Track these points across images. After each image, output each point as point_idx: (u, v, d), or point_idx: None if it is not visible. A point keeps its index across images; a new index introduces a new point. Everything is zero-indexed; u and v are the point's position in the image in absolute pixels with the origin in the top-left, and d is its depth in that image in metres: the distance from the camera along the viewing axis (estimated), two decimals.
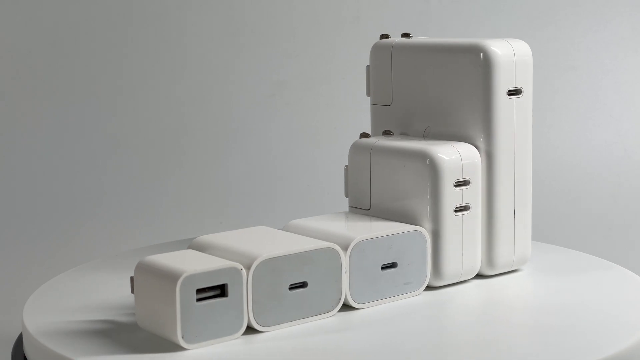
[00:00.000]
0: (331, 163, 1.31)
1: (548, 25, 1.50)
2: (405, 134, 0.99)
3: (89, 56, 1.40)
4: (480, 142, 0.92)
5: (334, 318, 0.84)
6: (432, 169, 0.89)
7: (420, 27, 1.36)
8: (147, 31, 1.40)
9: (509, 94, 0.92)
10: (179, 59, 1.42)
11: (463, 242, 0.91)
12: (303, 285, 0.82)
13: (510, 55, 0.92)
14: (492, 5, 1.48)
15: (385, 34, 1.02)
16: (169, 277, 0.76)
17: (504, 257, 0.94)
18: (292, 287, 0.82)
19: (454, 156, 0.90)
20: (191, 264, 0.78)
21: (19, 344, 0.88)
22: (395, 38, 1.00)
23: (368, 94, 1.02)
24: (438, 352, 0.79)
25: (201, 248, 0.85)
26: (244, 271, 0.79)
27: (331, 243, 0.84)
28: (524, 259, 0.96)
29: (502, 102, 0.92)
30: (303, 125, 1.31)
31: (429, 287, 0.91)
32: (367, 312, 0.86)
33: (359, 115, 1.29)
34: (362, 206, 0.96)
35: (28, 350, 0.83)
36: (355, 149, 0.96)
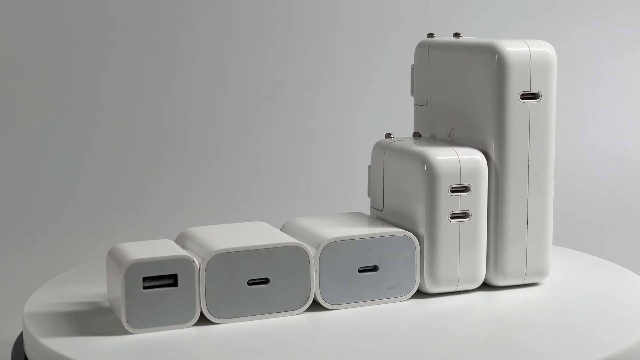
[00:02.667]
0: (331, 163, 1.29)
1: (548, 25, 1.41)
2: (434, 136, 0.97)
3: (89, 55, 1.40)
4: (492, 147, 0.88)
5: (301, 316, 0.84)
6: (426, 172, 0.87)
7: (421, 27, 1.31)
8: (146, 30, 1.40)
9: (522, 98, 0.88)
10: (178, 59, 1.42)
11: (460, 250, 0.88)
12: (265, 281, 0.83)
13: (525, 57, 0.88)
14: (492, 6, 1.42)
15: (431, 33, 0.99)
16: (119, 264, 0.80)
17: (513, 268, 0.90)
18: (252, 282, 0.83)
19: (452, 161, 0.87)
20: (144, 253, 0.81)
21: (19, 344, 0.88)
22: (437, 37, 0.98)
23: (412, 93, 1.01)
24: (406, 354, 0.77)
25: (183, 238, 0.88)
26: (196, 263, 0.81)
27: (297, 241, 0.84)
28: (540, 271, 0.91)
29: (514, 106, 0.88)
30: (303, 125, 1.30)
31: (424, 294, 0.89)
32: (339, 313, 0.85)
33: (359, 115, 1.27)
34: (378, 207, 0.95)
35: (28, 350, 0.83)
36: (374, 148, 0.95)
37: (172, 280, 0.81)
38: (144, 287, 0.80)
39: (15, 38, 1.34)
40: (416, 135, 0.97)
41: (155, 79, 1.37)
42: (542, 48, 0.89)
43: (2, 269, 1.23)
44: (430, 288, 0.88)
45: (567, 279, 0.94)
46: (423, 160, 0.87)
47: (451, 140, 0.93)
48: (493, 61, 0.88)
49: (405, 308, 0.86)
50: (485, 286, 0.91)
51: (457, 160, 0.87)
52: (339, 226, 0.89)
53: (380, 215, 0.94)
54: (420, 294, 0.89)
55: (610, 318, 0.85)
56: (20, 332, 0.89)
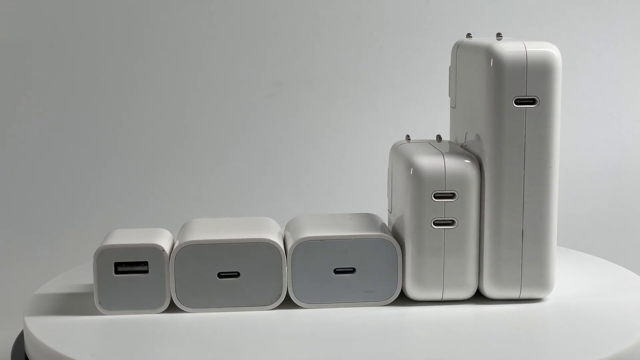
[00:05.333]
0: (331, 163, 1.25)
1: (548, 25, 1.30)
2: (456, 140, 0.94)
3: (88, 55, 1.41)
4: (487, 153, 0.85)
5: (273, 312, 0.86)
6: (410, 177, 0.85)
7: (422, 27, 1.22)
8: (146, 30, 1.40)
9: (516, 103, 0.84)
10: (178, 59, 1.42)
11: (445, 258, 0.85)
12: (235, 275, 0.85)
13: (521, 60, 0.83)
14: (491, 5, 1.31)
15: (469, 33, 0.96)
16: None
17: (507, 280, 0.86)
18: (223, 275, 0.85)
19: (436, 167, 0.85)
20: (121, 239, 0.86)
21: (19, 343, 0.88)
22: (474, 38, 0.95)
23: (449, 94, 0.98)
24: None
25: (181, 229, 0.91)
26: (165, 251, 0.85)
27: (269, 238, 0.85)
28: (540, 285, 0.86)
29: (506, 111, 0.84)
30: (303, 125, 1.26)
31: (410, 300, 0.87)
32: (313, 312, 0.86)
33: (359, 115, 1.22)
34: (389, 209, 0.94)
35: (29, 349, 0.83)
36: (390, 150, 0.94)
37: (146, 267, 0.85)
38: (118, 272, 0.85)
39: (16, 37, 1.39)
40: (438, 138, 0.94)
41: (155, 79, 1.39)
42: (542, 50, 0.84)
43: (2, 268, 1.25)
44: (413, 294, 0.87)
45: (566, 279, 0.92)
46: (409, 164, 0.86)
47: (465, 145, 0.91)
48: (488, 63, 0.84)
49: (382, 312, 0.85)
50: (482, 297, 0.88)
51: (442, 166, 0.85)
52: (326, 226, 0.89)
53: (390, 217, 0.93)
54: (405, 300, 0.87)
55: (610, 318, 0.83)
56: (20, 331, 0.90)
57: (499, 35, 0.92)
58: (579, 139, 1.33)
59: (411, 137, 0.95)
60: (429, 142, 0.92)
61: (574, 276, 0.94)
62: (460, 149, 0.89)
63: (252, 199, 1.30)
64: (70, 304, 0.88)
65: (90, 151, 1.40)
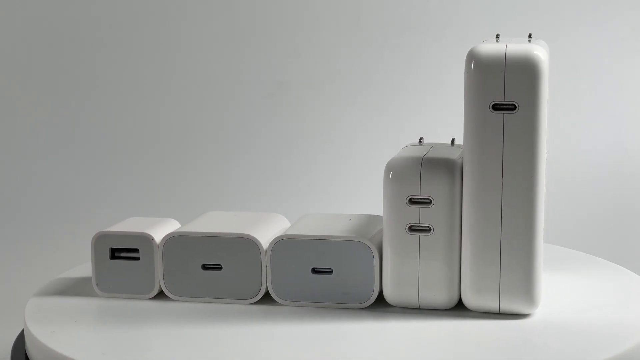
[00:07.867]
0: (331, 163, 1.17)
1: (548, 25, 1.14)
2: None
3: (87, 56, 1.39)
4: (466, 160, 0.82)
5: (254, 306, 0.87)
6: (388, 181, 0.84)
7: (421, 27, 1.11)
8: (145, 29, 1.37)
9: (494, 108, 0.80)
10: (178, 59, 1.38)
11: (420, 265, 0.83)
12: (218, 267, 0.88)
13: (499, 63, 0.79)
14: (491, 5, 1.16)
15: (497, 34, 0.93)
16: None
17: (484, 290, 0.83)
18: (207, 267, 0.88)
19: (412, 172, 0.83)
20: (121, 227, 0.91)
21: (19, 343, 0.88)
22: (501, 39, 0.91)
23: None
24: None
25: (197, 218, 0.95)
26: (155, 240, 0.89)
27: (248, 234, 0.87)
28: (523, 298, 0.82)
29: (482, 117, 0.80)
30: (303, 125, 1.19)
31: (390, 306, 0.86)
32: (291, 310, 0.86)
33: (359, 115, 1.17)
34: None
35: (29, 349, 0.84)
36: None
37: (137, 254, 0.89)
38: (114, 257, 0.90)
39: (16, 37, 1.42)
40: (452, 142, 0.92)
41: (155, 79, 1.39)
42: (523, 52, 0.79)
43: (2, 269, 1.27)
44: (390, 298, 0.85)
45: (566, 278, 0.92)
46: (388, 167, 0.84)
47: None
48: (469, 66, 0.81)
49: (356, 314, 0.85)
50: (465, 309, 0.85)
51: (418, 171, 0.83)
52: (315, 225, 0.89)
53: None
54: (384, 304, 0.86)
55: (609, 319, 0.82)
56: (20, 331, 0.90)
57: (530, 36, 0.88)
58: (579, 139, 1.27)
59: (431, 140, 0.92)
60: (435, 146, 0.90)
61: (571, 279, 0.92)
62: (452, 155, 0.86)
63: (251, 199, 1.31)
64: (71, 303, 0.90)
65: (90, 150, 1.44)
